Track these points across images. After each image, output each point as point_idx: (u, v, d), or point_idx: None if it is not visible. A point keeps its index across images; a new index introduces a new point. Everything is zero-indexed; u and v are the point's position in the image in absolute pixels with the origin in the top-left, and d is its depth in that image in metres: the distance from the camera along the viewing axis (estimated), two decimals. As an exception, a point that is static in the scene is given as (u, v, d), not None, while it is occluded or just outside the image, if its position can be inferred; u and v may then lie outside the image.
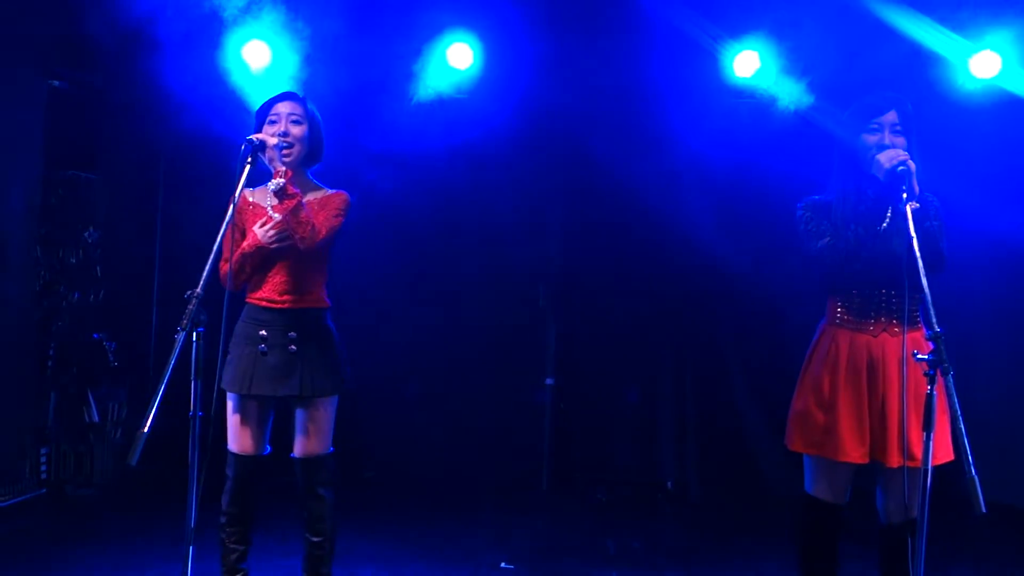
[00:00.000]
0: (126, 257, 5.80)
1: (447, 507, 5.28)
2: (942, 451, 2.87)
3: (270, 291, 3.23)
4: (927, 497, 2.55)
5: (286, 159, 3.17)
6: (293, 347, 3.21)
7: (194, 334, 2.64)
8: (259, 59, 5.13)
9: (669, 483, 5.73)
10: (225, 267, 3.19)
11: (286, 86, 4.77)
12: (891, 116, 2.99)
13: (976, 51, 4.85)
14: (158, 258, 5.98)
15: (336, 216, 3.23)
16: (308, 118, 3.27)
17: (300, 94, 3.33)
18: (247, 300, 3.30)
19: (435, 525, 4.93)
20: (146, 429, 2.48)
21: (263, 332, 3.21)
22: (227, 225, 2.88)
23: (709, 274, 5.66)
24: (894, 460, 2.90)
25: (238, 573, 3.31)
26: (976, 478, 2.39)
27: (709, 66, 5.13)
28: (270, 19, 5.05)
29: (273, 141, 3.10)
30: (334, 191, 3.33)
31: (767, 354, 5.54)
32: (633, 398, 5.91)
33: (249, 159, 2.97)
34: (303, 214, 3.10)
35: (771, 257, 5.25)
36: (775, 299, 5.34)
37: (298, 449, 3.31)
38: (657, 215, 5.57)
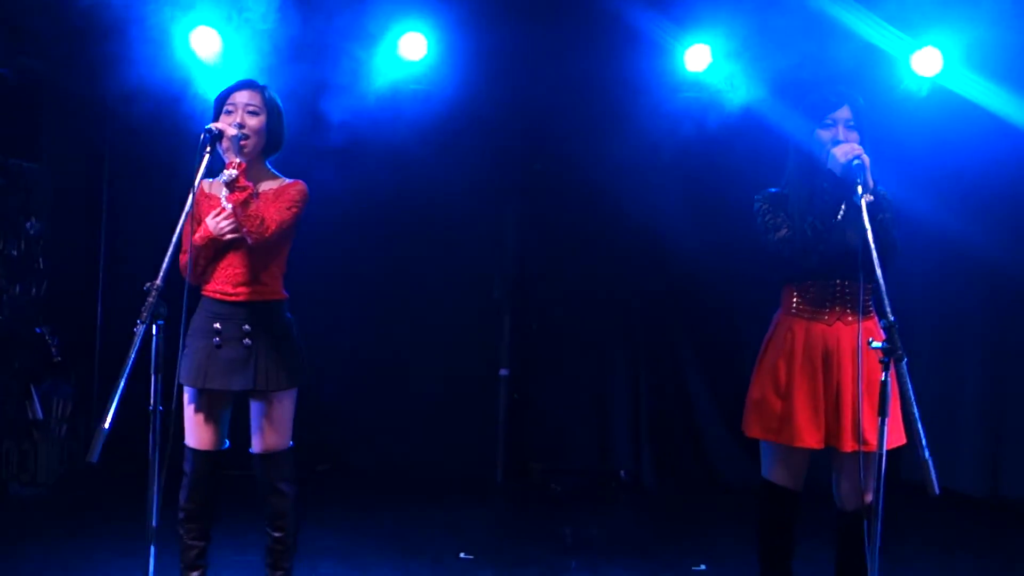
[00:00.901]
0: (70, 249, 5.66)
1: (403, 499, 5.27)
2: (894, 435, 2.96)
3: (224, 283, 3.17)
4: (882, 481, 2.63)
5: (243, 149, 3.12)
6: (248, 340, 3.15)
7: (154, 327, 2.60)
8: (208, 48, 5.04)
9: (623, 472, 5.80)
10: (184, 258, 3.13)
11: (236, 76, 4.69)
12: (844, 112, 3.07)
13: (918, 48, 4.99)
14: (103, 250, 5.85)
15: (289, 208, 3.16)
16: (267, 107, 3.20)
17: (260, 82, 3.28)
18: (202, 292, 3.23)
19: (391, 517, 4.92)
20: (107, 425, 2.44)
21: (217, 325, 3.16)
22: (186, 216, 2.85)
23: (664, 265, 5.74)
24: (848, 445, 2.98)
25: (197, 570, 3.26)
26: (930, 461, 2.47)
27: (663, 59, 5.18)
28: (218, 7, 4.97)
29: (232, 132, 3.04)
30: (291, 181, 3.26)
31: (720, 344, 5.65)
32: (587, 388, 5.97)
33: (208, 149, 2.93)
34: (252, 207, 3.04)
35: (726, 249, 5.33)
36: (729, 290, 5.43)
37: (256, 445, 3.26)
38: (612, 207, 5.63)
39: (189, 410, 3.23)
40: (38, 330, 5.30)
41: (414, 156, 5.46)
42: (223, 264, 3.18)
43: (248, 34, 5.06)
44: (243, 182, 3.03)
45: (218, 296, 3.18)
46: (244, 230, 3.07)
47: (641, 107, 5.25)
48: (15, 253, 5.22)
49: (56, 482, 5.21)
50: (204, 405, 3.21)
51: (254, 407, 3.24)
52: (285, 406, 3.26)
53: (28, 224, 5.29)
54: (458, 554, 4.30)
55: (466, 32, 5.16)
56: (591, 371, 5.98)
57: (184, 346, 3.21)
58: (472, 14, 5.09)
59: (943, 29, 4.91)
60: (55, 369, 5.33)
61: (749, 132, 4.92)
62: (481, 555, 4.31)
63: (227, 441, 3.30)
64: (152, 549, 2.61)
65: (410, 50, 5.20)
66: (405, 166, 5.52)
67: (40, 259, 5.36)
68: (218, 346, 3.15)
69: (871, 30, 4.83)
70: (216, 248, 3.16)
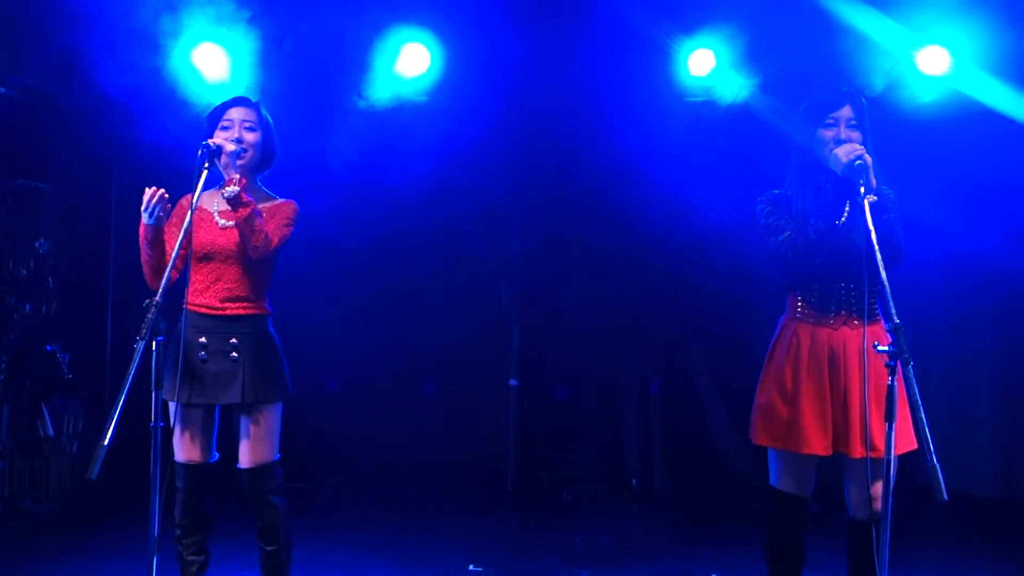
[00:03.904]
0: (79, 267, 5.70)
1: (413, 511, 5.25)
2: (904, 440, 2.91)
3: (211, 298, 3.17)
4: (891, 486, 2.58)
5: (239, 164, 3.12)
6: (235, 354, 3.15)
7: (153, 343, 2.60)
8: (210, 65, 5.07)
9: (634, 481, 5.75)
10: (175, 275, 3.05)
11: (238, 92, 4.72)
12: (846, 111, 3.03)
13: (924, 47, 4.93)
14: (112, 267, 5.88)
15: (286, 225, 3.22)
16: (261, 124, 3.23)
17: (254, 99, 3.29)
18: (186, 307, 3.18)
19: (401, 529, 4.89)
20: (106, 442, 2.44)
21: (203, 339, 3.15)
22: (185, 232, 2.88)
23: (673, 271, 5.70)
24: (857, 451, 2.93)
25: (200, 585, 3.26)
26: (938, 466, 2.43)
27: (667, 64, 5.16)
28: (221, 25, 4.99)
29: (231, 147, 3.06)
30: (283, 200, 3.30)
31: (732, 350, 5.59)
32: (597, 397, 5.93)
33: (206, 164, 2.94)
34: (257, 223, 3.06)
35: (736, 253, 5.28)
36: (741, 295, 5.39)
37: (244, 459, 3.23)
38: (620, 214, 5.60)
39: (176, 425, 3.21)
40: (48, 348, 5.33)
41: (420, 168, 5.46)
42: (211, 278, 3.17)
43: (252, 50, 5.08)
44: (246, 198, 3.04)
45: (204, 310, 3.17)
46: (249, 245, 3.07)
47: (647, 112, 5.22)
48: (25, 272, 5.26)
49: (66, 498, 5.22)
50: (191, 420, 3.21)
51: (242, 421, 3.22)
52: (272, 419, 3.24)
53: (37, 243, 5.33)
54: (468, 566, 4.26)
55: (468, 43, 5.16)
56: (601, 380, 5.94)
57: (166, 361, 3.18)
58: (473, 25, 5.10)
59: (951, 28, 4.85)
60: (66, 386, 5.36)
61: (757, 134, 4.88)
62: (491, 566, 4.28)
63: (216, 453, 3.29)
64: (155, 561, 2.60)
65: (412, 64, 5.20)
66: (412, 178, 5.51)
67: (50, 278, 5.40)
68: (204, 360, 3.15)
69: (877, 29, 4.78)
70: (200, 259, 3.15)
